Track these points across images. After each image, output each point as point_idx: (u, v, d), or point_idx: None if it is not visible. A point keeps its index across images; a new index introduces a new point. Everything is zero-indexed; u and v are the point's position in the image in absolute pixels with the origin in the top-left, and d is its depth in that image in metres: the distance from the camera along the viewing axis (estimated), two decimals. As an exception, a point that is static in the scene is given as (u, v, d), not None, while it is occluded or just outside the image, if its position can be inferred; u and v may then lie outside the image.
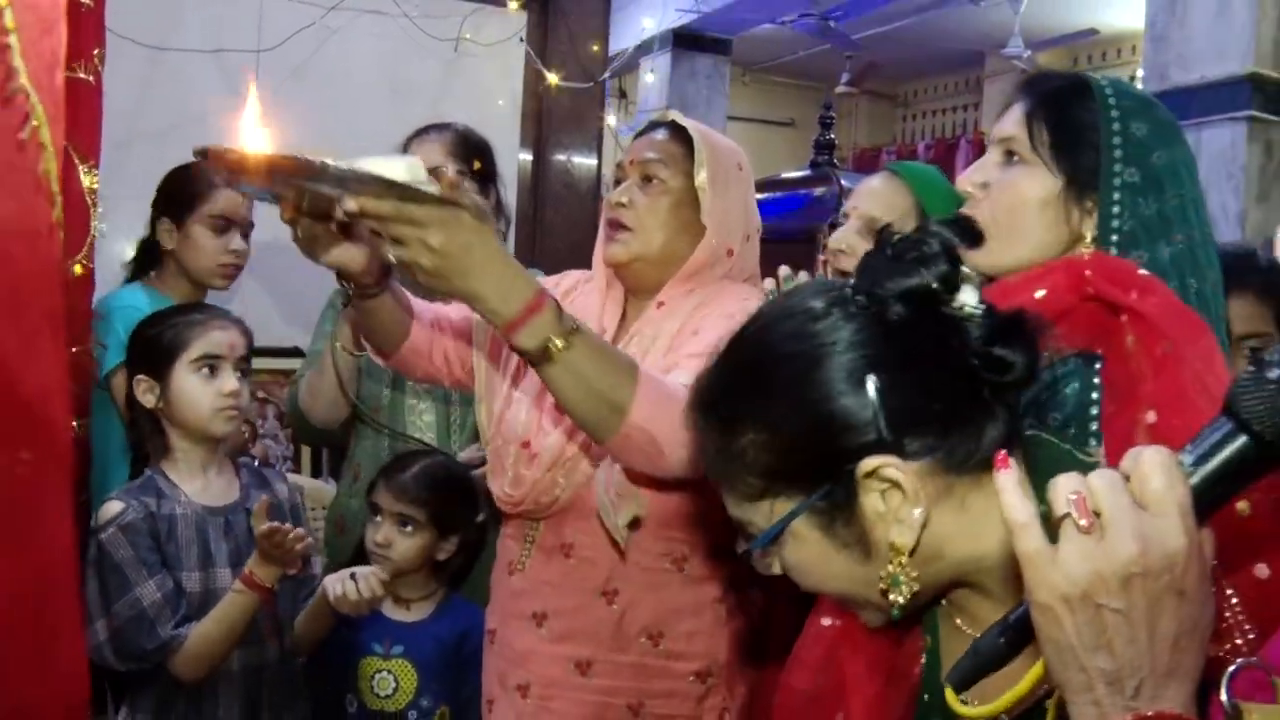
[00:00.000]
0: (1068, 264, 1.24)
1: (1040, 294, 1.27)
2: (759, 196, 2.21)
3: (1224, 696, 0.85)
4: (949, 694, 0.93)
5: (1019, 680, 0.88)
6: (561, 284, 2.12)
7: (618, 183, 2.05)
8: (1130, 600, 0.78)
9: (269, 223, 3.06)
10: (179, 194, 2.76)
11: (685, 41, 8.54)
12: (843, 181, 4.57)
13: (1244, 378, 0.82)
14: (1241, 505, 1.01)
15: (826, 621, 1.29)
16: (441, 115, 4.13)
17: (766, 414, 1.03)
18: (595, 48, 4.73)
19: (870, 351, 1.00)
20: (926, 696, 0.92)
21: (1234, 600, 1.00)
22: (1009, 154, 1.55)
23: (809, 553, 1.04)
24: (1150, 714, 0.78)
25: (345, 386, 2.45)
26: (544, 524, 1.97)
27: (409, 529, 2.37)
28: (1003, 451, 0.89)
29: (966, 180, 1.58)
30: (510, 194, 4.34)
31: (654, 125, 2.06)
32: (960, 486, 1.00)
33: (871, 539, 1.01)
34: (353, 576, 2.21)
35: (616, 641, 1.92)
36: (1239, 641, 0.99)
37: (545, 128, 4.71)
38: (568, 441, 1.88)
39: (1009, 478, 0.85)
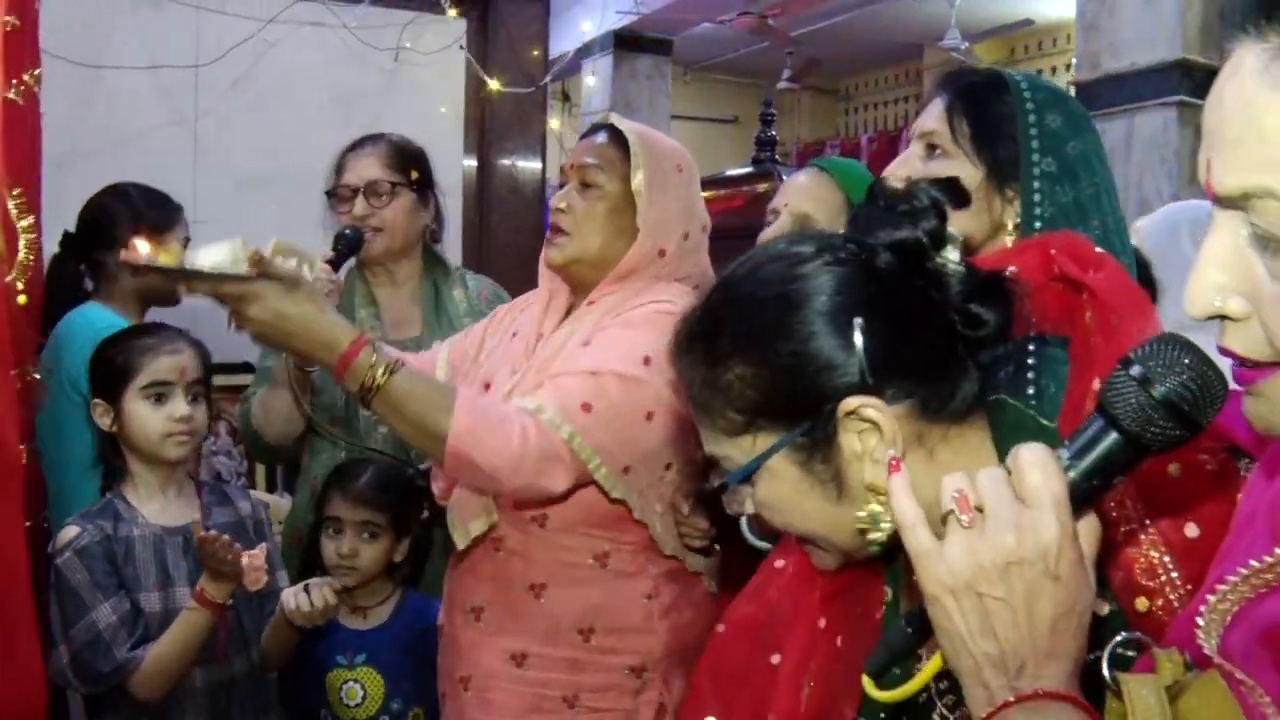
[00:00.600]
0: (1039, 243, 1.29)
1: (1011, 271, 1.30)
2: (703, 195, 2.24)
3: (1105, 669, 0.88)
4: (866, 681, 0.96)
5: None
6: (525, 303, 2.22)
7: (562, 185, 2.10)
8: (1009, 588, 0.83)
9: (213, 239, 3.05)
10: (103, 221, 2.88)
11: (626, 43, 8.56)
12: (784, 177, 4.60)
13: (1113, 377, 0.86)
14: (1173, 467, 1.04)
15: (780, 563, 1.32)
16: (384, 125, 4.11)
17: (752, 350, 1.05)
18: (535, 52, 4.75)
19: (857, 296, 1.02)
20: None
21: (1166, 559, 1.03)
22: (931, 147, 1.60)
23: (784, 490, 1.06)
24: (1030, 693, 0.83)
25: (300, 400, 2.45)
26: None
27: (371, 536, 2.38)
28: (896, 457, 0.94)
29: (891, 175, 1.60)
30: (455, 200, 4.37)
31: (596, 128, 2.11)
32: (931, 437, 1.04)
33: (846, 478, 1.03)
34: (306, 588, 2.22)
35: (549, 635, 1.98)
36: (1171, 598, 1.02)
37: (488, 133, 4.72)
38: None
39: (899, 480, 0.90)
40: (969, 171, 1.54)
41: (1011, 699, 0.83)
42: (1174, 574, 1.02)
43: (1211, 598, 0.88)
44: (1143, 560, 1.03)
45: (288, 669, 2.38)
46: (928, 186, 1.04)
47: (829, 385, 1.01)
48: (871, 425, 1.00)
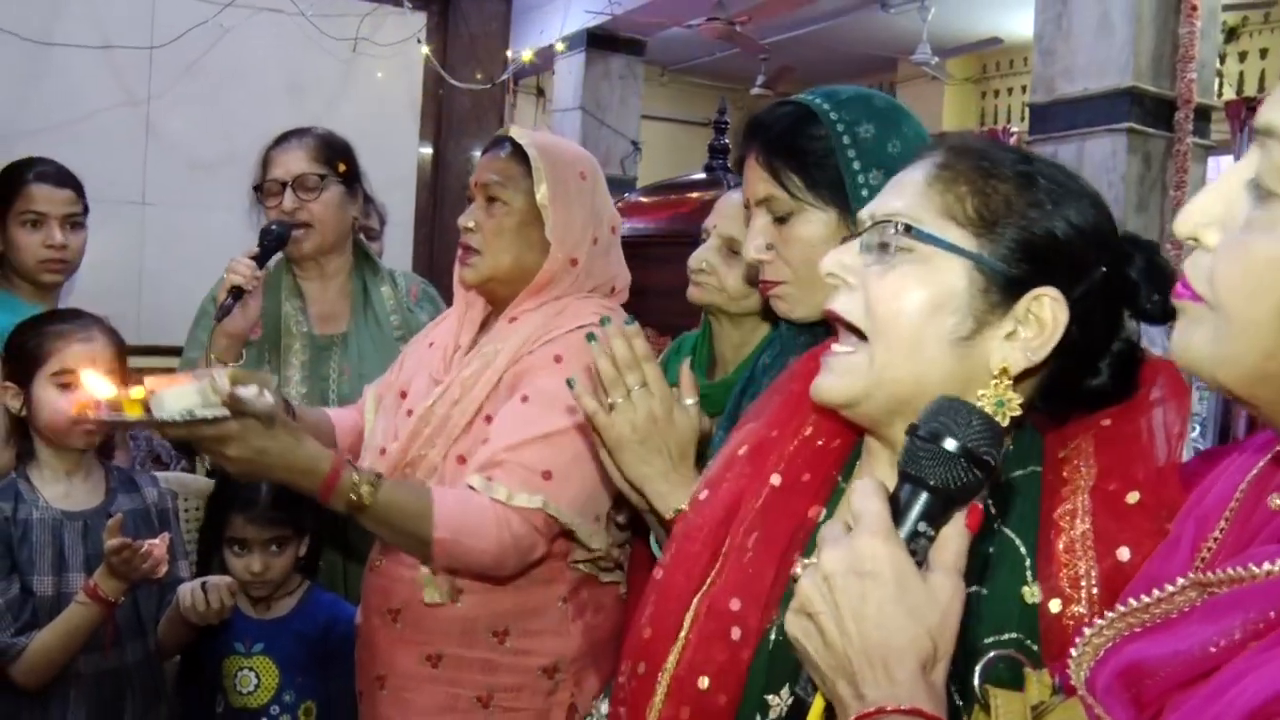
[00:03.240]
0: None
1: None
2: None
3: (976, 681, 0.93)
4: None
5: None
6: (445, 322, 2.23)
7: (469, 201, 2.09)
8: (832, 600, 0.89)
9: (162, 223, 3.04)
10: None
11: (599, 41, 8.56)
12: (732, 186, 4.62)
13: (907, 445, 0.95)
14: (1133, 496, 1.07)
15: (743, 451, 1.31)
16: (338, 114, 4.13)
17: (1026, 191, 1.11)
18: (495, 48, 4.75)
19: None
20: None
21: (1093, 574, 1.05)
22: (779, 215, 1.54)
23: (925, 287, 1.10)
24: (877, 708, 0.85)
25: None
26: None
27: (279, 548, 2.39)
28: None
29: (751, 250, 1.56)
30: (409, 193, 4.37)
31: (497, 142, 2.09)
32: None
33: (983, 336, 1.09)
34: (204, 586, 2.21)
35: (465, 638, 1.99)
36: (1082, 611, 1.04)
37: (445, 127, 4.72)
38: (408, 446, 2.00)
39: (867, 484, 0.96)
40: (822, 219, 1.50)
41: (855, 717, 0.87)
42: (1094, 590, 1.04)
43: (1088, 631, 0.92)
44: (1070, 568, 1.05)
45: (190, 650, 2.38)
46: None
47: (1052, 265, 1.09)
48: (1039, 320, 1.08)
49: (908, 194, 1.14)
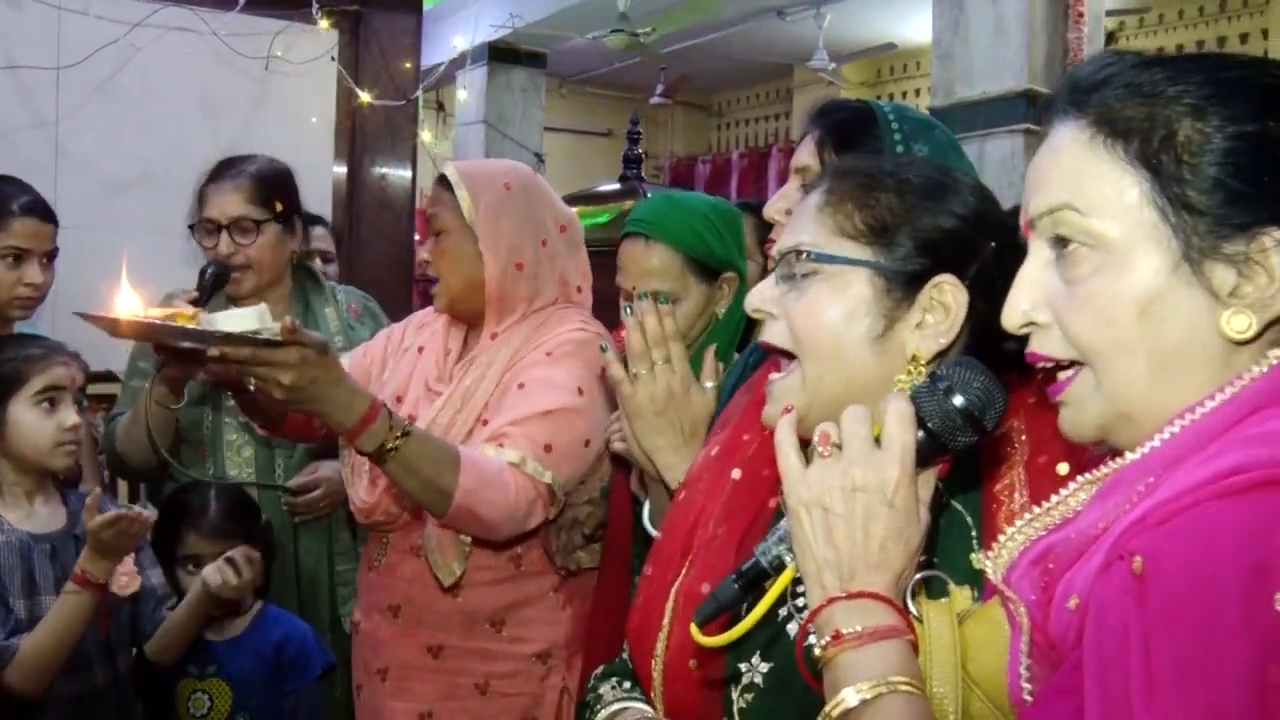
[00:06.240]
0: None
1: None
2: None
3: (907, 598, 1.06)
4: (694, 630, 1.13)
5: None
6: (424, 321, 2.38)
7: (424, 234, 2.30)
8: (850, 508, 1.03)
9: (75, 245, 3.01)
10: None
11: (501, 54, 8.60)
12: (649, 194, 4.71)
13: (922, 387, 1.09)
14: (1062, 467, 1.19)
15: (715, 452, 1.44)
16: (253, 134, 4.11)
17: (906, 195, 1.26)
18: (407, 64, 4.76)
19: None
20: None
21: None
22: (805, 186, 1.67)
23: (835, 301, 1.24)
24: (856, 591, 1.03)
25: (158, 441, 2.43)
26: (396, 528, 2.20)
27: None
28: (788, 402, 1.17)
29: (773, 209, 1.72)
30: (324, 211, 4.36)
31: (438, 178, 2.25)
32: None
33: (895, 332, 1.23)
34: (229, 561, 2.24)
35: (463, 629, 2.14)
36: None
37: (359, 144, 4.71)
38: None
39: (785, 422, 1.10)
40: None
41: (840, 595, 1.03)
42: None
43: (1002, 537, 1.05)
44: (1007, 509, 1.20)
45: (141, 675, 2.38)
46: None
47: (949, 255, 1.23)
48: (943, 307, 1.21)
49: (804, 223, 1.29)
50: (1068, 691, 0.84)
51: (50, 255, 2.65)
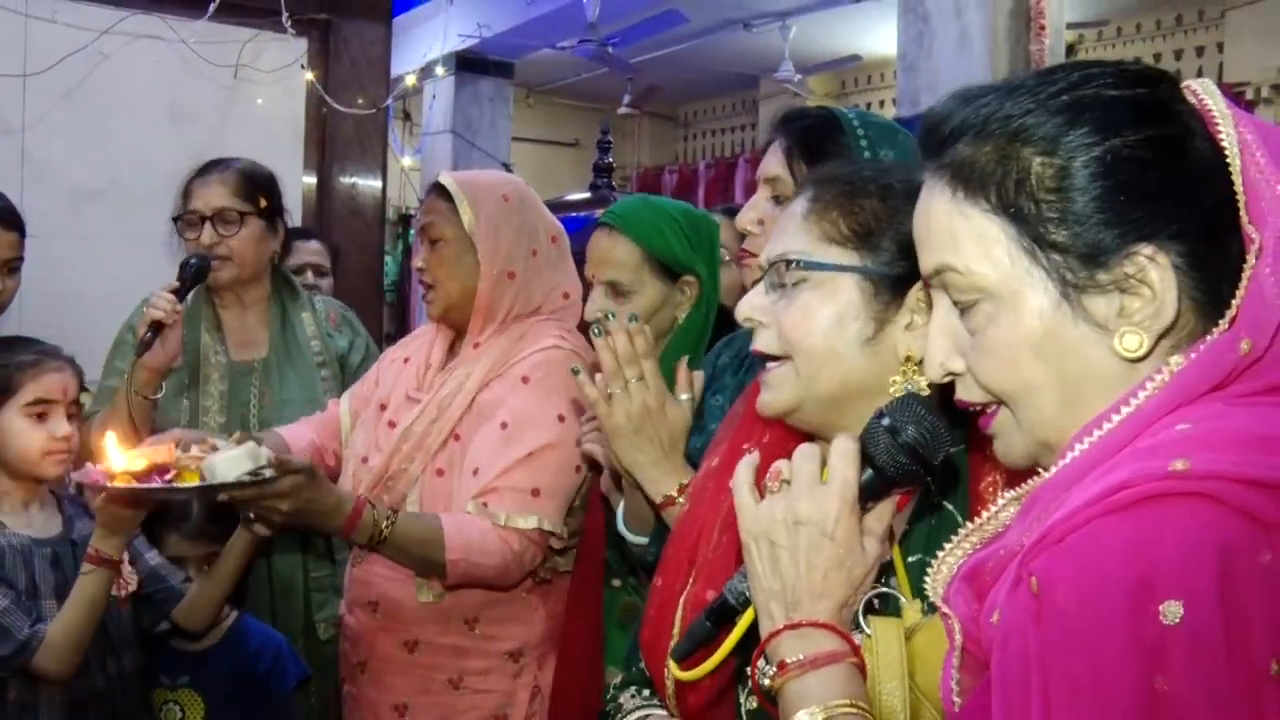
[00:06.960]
0: None
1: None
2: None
3: (860, 616, 1.11)
4: (671, 665, 1.18)
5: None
6: (417, 333, 2.47)
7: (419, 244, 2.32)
8: (794, 541, 1.08)
9: (41, 254, 3.00)
10: None
11: (468, 64, 8.62)
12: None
13: (869, 426, 1.11)
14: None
15: (715, 463, 1.46)
16: (222, 141, 4.10)
17: (889, 199, 1.28)
18: (377, 73, 4.78)
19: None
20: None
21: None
22: (777, 194, 1.71)
23: (825, 307, 1.26)
24: (796, 621, 1.07)
25: (140, 429, 2.43)
26: None
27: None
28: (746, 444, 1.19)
29: (744, 220, 1.75)
30: (295, 219, 4.36)
31: (431, 188, 2.30)
32: None
33: (886, 336, 1.25)
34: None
35: (438, 626, 2.19)
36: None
37: (329, 152, 4.72)
38: (390, 461, 2.22)
39: (744, 463, 1.15)
40: None
41: (784, 625, 1.07)
42: None
43: (940, 553, 1.08)
44: (991, 506, 1.20)
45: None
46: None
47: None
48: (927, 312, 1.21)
49: (790, 232, 1.31)
50: (980, 710, 0.88)
51: (11, 263, 2.53)
